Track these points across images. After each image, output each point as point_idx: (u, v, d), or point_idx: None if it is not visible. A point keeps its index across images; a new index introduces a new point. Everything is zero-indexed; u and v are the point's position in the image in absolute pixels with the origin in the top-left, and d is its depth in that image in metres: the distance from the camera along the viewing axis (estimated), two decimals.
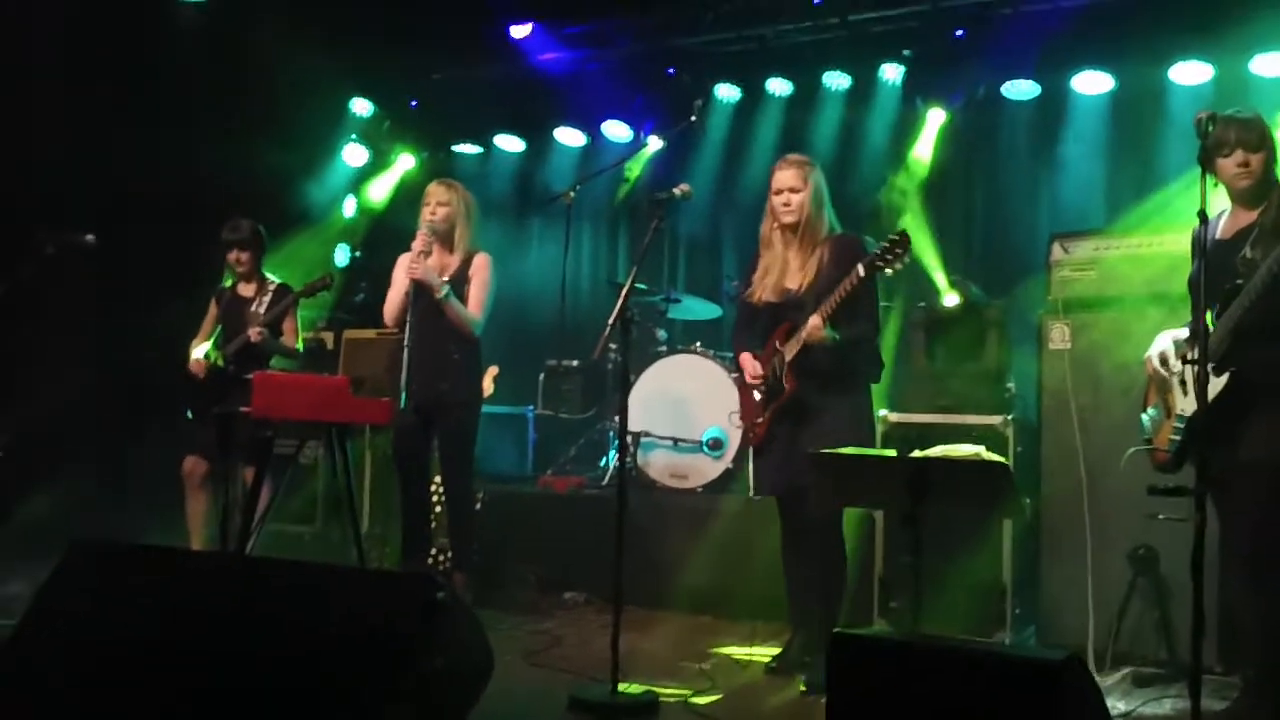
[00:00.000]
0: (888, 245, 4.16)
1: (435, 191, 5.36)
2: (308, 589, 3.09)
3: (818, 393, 4.41)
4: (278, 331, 5.82)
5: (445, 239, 5.32)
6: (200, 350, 5.93)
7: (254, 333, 5.66)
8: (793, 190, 4.47)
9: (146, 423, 5.99)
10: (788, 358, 4.41)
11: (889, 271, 4.18)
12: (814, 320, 4.25)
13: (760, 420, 4.56)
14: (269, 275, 6.04)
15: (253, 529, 4.85)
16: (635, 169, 7.56)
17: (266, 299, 5.89)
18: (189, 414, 5.82)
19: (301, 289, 5.73)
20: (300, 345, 6.02)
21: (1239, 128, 3.68)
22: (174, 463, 5.85)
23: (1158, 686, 4.36)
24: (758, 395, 4.60)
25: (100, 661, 3.01)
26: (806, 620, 4.55)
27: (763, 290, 4.56)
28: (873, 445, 4.70)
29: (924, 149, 6.92)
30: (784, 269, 4.53)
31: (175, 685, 2.88)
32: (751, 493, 4.85)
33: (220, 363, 5.82)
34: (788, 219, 4.49)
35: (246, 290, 6.00)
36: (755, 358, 4.61)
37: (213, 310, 6.07)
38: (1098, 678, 4.32)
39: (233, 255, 5.94)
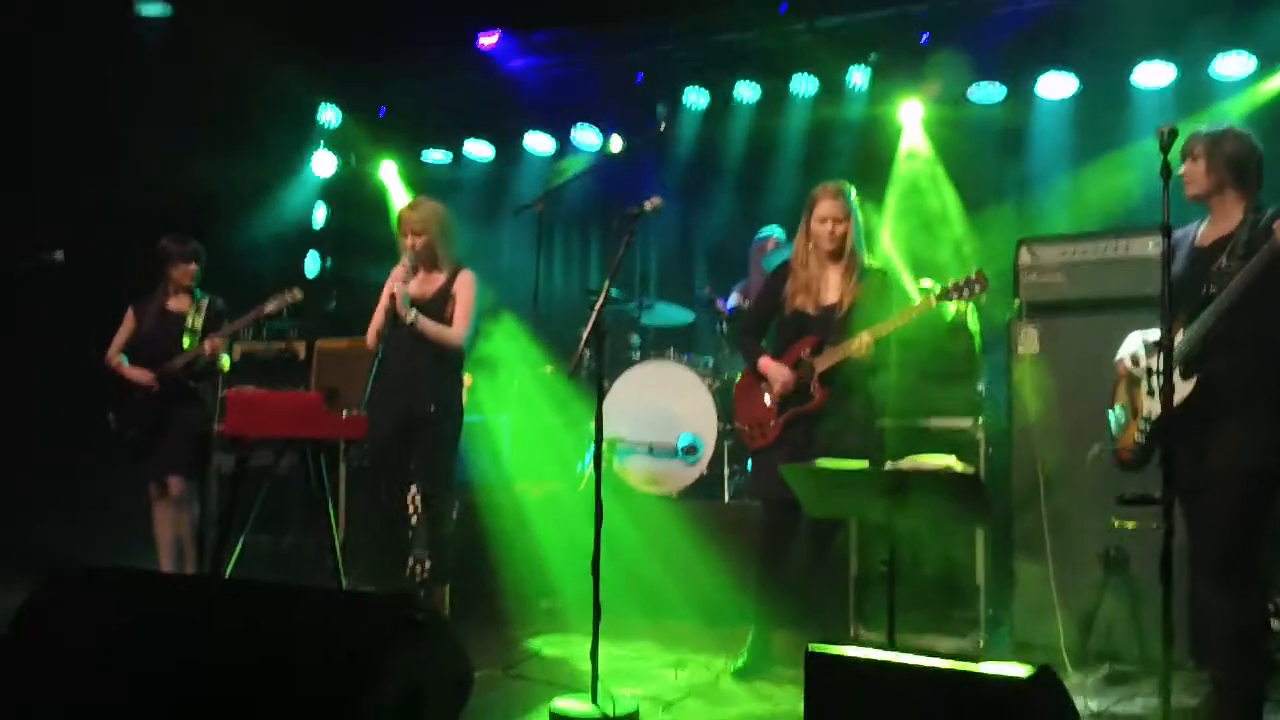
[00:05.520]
0: (965, 282, 4.50)
1: (408, 219, 5.34)
2: (286, 611, 3.09)
3: (839, 402, 4.65)
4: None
5: (428, 259, 5.35)
6: (120, 359, 5.83)
7: (209, 345, 5.64)
8: (837, 220, 4.70)
9: (112, 441, 5.90)
10: (818, 369, 4.65)
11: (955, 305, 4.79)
12: (866, 338, 4.52)
13: (774, 423, 4.73)
14: (197, 291, 5.98)
15: (228, 546, 4.83)
16: (574, 166, 7.56)
17: (201, 316, 5.84)
18: (113, 424, 5.75)
19: (270, 305, 5.61)
20: (227, 362, 5.98)
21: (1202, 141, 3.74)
22: (139, 481, 5.79)
23: (1130, 685, 4.43)
24: (768, 399, 4.75)
25: (77, 688, 3.00)
26: (772, 624, 4.70)
27: (801, 302, 4.76)
28: (883, 450, 4.91)
29: (896, 147, 7.00)
30: (822, 286, 4.75)
31: (152, 712, 2.87)
32: (749, 494, 4.90)
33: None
34: (830, 246, 4.72)
35: (177, 305, 5.91)
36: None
37: (129, 321, 5.95)
38: (1073, 676, 4.42)
39: (179, 269, 5.86)
